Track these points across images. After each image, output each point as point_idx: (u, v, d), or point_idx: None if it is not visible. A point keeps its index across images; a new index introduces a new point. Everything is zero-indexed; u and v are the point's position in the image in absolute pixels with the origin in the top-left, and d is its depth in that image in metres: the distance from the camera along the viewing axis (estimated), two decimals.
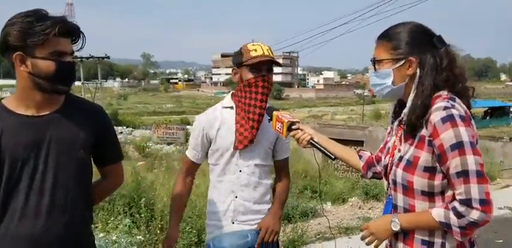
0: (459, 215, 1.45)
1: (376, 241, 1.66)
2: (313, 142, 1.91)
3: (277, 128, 2.02)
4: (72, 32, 1.64)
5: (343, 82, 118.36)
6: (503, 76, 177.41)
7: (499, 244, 4.78)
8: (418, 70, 1.58)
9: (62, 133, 1.66)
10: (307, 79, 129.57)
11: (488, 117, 36.63)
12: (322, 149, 1.90)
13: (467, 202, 1.44)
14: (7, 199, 1.61)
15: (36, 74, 1.59)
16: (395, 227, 1.59)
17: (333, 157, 1.90)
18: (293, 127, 1.95)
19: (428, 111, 1.52)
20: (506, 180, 9.82)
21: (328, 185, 9.65)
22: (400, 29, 1.64)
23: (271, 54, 2.21)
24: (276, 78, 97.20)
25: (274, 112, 2.03)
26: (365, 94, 64.16)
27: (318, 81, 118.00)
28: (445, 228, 1.50)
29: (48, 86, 1.61)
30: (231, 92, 2.34)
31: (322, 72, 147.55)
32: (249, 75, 2.19)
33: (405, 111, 1.60)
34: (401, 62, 1.61)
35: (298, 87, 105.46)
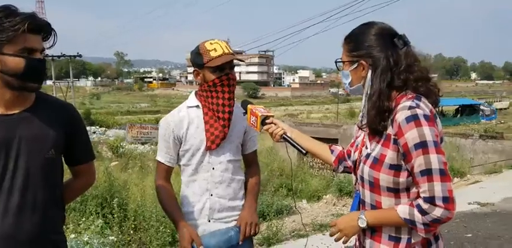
0: (423, 212, 1.48)
1: (344, 238, 1.68)
2: (285, 136, 1.92)
3: (251, 122, 2.03)
4: (43, 29, 1.60)
5: (318, 81, 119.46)
6: (473, 75, 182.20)
7: (468, 238, 4.90)
8: (369, 73, 1.61)
9: (32, 132, 1.63)
10: (283, 78, 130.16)
11: (459, 115, 37.49)
12: (294, 144, 1.91)
13: (430, 200, 1.47)
14: None
15: (4, 71, 1.55)
16: (362, 224, 1.62)
17: (304, 151, 1.91)
18: (267, 121, 1.96)
19: (389, 113, 1.56)
20: (476, 176, 10.07)
21: (304, 183, 9.73)
22: (360, 30, 1.68)
23: (230, 51, 2.17)
24: (252, 77, 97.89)
25: (249, 106, 2.04)
26: (340, 93, 64.88)
27: (294, 80, 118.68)
28: (409, 225, 1.53)
29: (18, 84, 1.57)
30: (194, 91, 2.32)
31: (298, 71, 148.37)
32: (212, 76, 2.15)
33: (360, 114, 1.64)
34: (355, 65, 1.66)
35: (273, 85, 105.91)
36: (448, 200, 1.46)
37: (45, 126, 1.66)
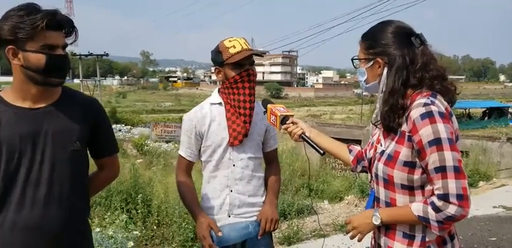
0: (437, 209, 1.48)
1: (359, 235, 1.70)
2: (304, 136, 1.95)
3: (271, 120, 2.06)
4: (63, 25, 1.64)
5: (342, 82, 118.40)
6: (502, 77, 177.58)
7: (492, 242, 4.82)
8: (385, 71, 1.63)
9: (58, 126, 1.69)
10: (306, 78, 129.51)
11: (486, 118, 36.63)
12: (312, 144, 1.93)
13: (444, 197, 1.47)
14: (5, 191, 1.64)
15: (28, 67, 1.61)
16: (376, 221, 1.63)
17: (322, 152, 1.93)
18: (286, 121, 1.98)
19: (403, 111, 1.57)
20: (502, 180, 9.83)
21: (325, 183, 9.69)
22: (377, 28, 1.69)
23: (248, 46, 2.22)
24: (275, 77, 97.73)
25: (269, 105, 2.07)
26: (364, 94, 64.13)
27: (317, 80, 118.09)
28: (423, 222, 1.53)
29: (41, 79, 1.63)
30: (217, 88, 2.36)
31: (321, 72, 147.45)
32: (232, 73, 2.21)
33: (375, 111, 1.66)
34: (371, 63, 1.67)
35: (297, 86, 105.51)
36: (463, 198, 1.46)
37: (70, 120, 1.72)
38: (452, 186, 1.46)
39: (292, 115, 2.01)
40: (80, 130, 1.74)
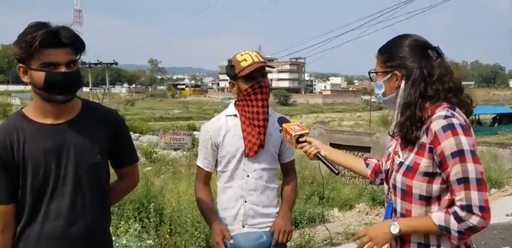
0: (460, 219, 1.49)
1: (375, 247, 1.66)
2: (319, 156, 1.99)
3: (287, 139, 2.12)
4: (65, 43, 1.63)
5: (350, 89, 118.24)
6: (511, 83, 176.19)
7: None
8: (402, 84, 1.65)
9: (79, 140, 1.74)
10: (314, 85, 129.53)
11: (496, 124, 36.31)
12: (327, 163, 1.98)
13: (468, 208, 1.48)
14: (33, 204, 1.70)
15: (34, 85, 1.66)
16: (395, 230, 1.61)
17: (337, 172, 1.97)
18: (300, 139, 2.03)
19: (421, 123, 1.58)
20: None
21: (335, 191, 9.66)
22: (394, 42, 1.72)
23: (260, 59, 2.27)
24: (283, 84, 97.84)
25: (284, 125, 2.12)
26: (372, 100, 63.89)
27: (325, 87, 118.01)
28: (444, 232, 1.53)
29: (45, 96, 1.67)
30: (234, 101, 2.42)
31: (329, 78, 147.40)
32: (245, 86, 2.26)
33: (394, 123, 1.67)
34: (389, 76, 1.69)
35: (305, 93, 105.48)
36: (485, 210, 1.47)
37: (91, 133, 1.77)
38: (475, 197, 1.48)
39: (307, 133, 2.05)
40: (101, 143, 1.79)
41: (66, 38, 1.63)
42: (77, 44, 1.67)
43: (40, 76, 1.62)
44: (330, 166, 1.97)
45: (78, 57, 1.70)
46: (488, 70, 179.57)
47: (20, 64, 1.64)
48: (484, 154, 11.61)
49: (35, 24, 1.63)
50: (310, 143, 2.01)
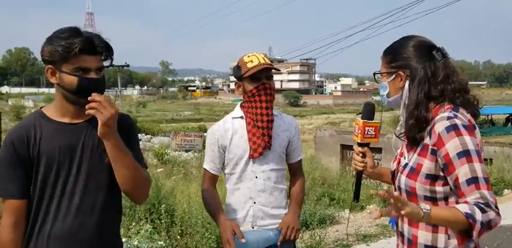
0: (483, 210, 1.43)
1: (393, 212, 1.40)
2: (358, 175, 1.97)
3: (355, 131, 1.93)
4: (99, 50, 1.73)
5: (361, 89, 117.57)
6: None
7: None
8: (406, 84, 1.65)
9: (93, 140, 1.79)
10: (325, 86, 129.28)
11: (509, 124, 35.90)
12: (357, 186, 1.98)
13: (487, 204, 1.45)
14: (43, 201, 1.74)
15: (62, 87, 1.73)
16: (426, 208, 1.41)
17: (356, 200, 1.97)
18: (360, 149, 1.92)
19: (426, 123, 1.58)
20: None
21: (346, 192, 9.62)
22: (398, 43, 1.73)
23: (267, 61, 2.28)
24: (293, 85, 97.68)
25: (362, 121, 1.89)
26: None
27: (336, 87, 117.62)
28: (469, 220, 1.41)
29: (72, 98, 1.74)
30: (240, 103, 2.44)
31: (340, 79, 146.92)
32: (250, 86, 2.29)
33: (400, 123, 1.68)
34: (393, 76, 1.70)
35: (315, 93, 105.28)
36: (498, 208, 1.46)
37: None
38: (489, 195, 1.46)
39: (368, 144, 1.91)
40: None
41: (100, 46, 1.73)
42: (108, 52, 1.77)
43: (72, 80, 1.69)
44: (356, 190, 1.96)
45: (110, 63, 1.81)
46: (500, 70, 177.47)
47: (49, 66, 1.72)
48: (497, 155, 11.48)
49: (67, 29, 1.71)
50: (364, 156, 1.93)
